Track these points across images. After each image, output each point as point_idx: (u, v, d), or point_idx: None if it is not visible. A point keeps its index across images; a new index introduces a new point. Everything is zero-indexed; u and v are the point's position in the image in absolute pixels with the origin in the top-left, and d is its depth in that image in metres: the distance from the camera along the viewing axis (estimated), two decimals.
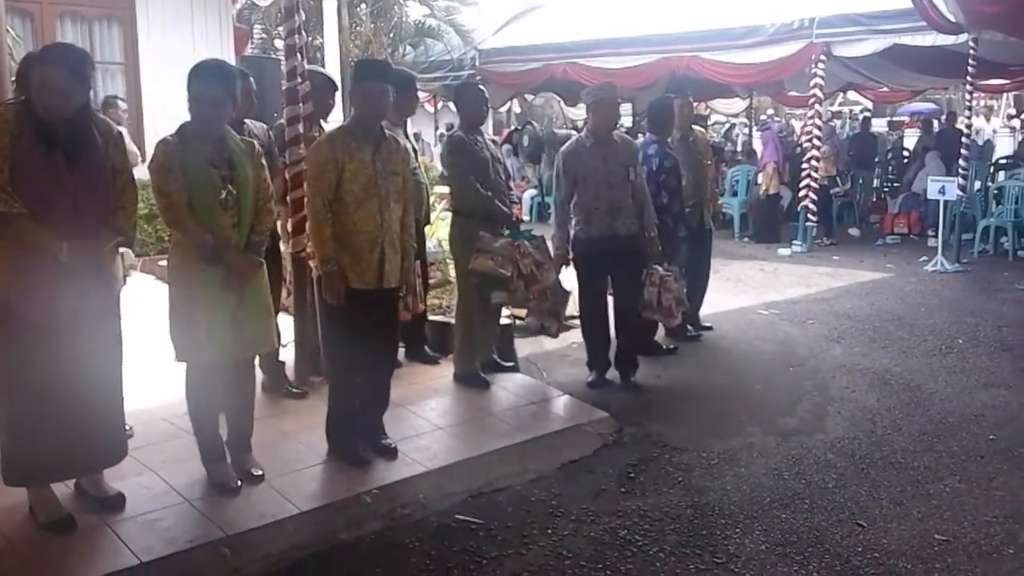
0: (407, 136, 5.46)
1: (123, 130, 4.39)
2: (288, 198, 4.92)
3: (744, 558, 3.52)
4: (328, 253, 3.97)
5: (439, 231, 6.67)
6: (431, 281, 5.81)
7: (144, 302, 4.74)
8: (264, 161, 3.92)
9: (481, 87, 5.53)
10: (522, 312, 6.20)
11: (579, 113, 20.39)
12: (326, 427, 4.27)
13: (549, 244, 5.49)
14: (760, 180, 12.40)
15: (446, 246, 5.74)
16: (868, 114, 19.05)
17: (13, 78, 4.45)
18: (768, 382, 5.79)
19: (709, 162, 6.86)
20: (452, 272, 6.02)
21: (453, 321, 5.63)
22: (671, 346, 6.39)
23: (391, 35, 14.35)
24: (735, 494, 4.10)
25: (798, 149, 13.55)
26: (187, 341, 3.71)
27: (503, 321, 5.82)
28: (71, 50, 3.48)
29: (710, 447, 4.63)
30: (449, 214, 6.01)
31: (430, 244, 5.98)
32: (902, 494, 4.10)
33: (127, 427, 4.23)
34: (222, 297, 3.69)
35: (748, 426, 4.94)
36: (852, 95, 19.59)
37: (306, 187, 4.16)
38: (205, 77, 3.67)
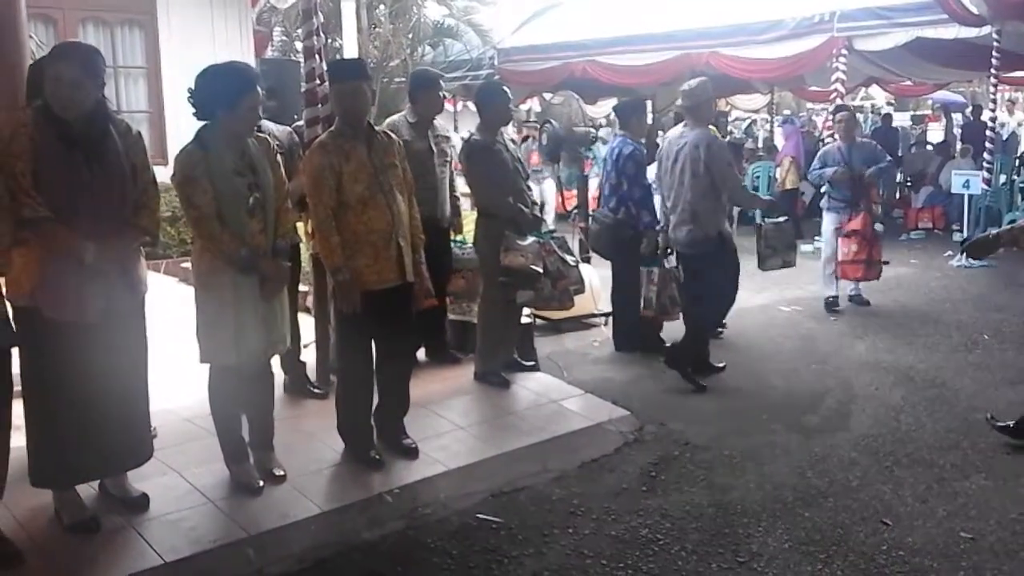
0: (427, 136, 5.42)
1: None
2: (307, 200, 4.94)
3: (767, 557, 3.50)
4: (339, 262, 3.95)
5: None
6: (450, 288, 5.79)
7: (167, 304, 4.79)
8: (279, 159, 3.93)
9: (505, 88, 5.49)
10: (545, 312, 6.22)
11: (599, 111, 20.34)
12: (338, 426, 4.30)
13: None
14: (776, 174, 12.33)
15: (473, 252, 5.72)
16: (891, 108, 18.89)
17: None
18: (790, 379, 5.75)
19: None
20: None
21: (474, 321, 5.64)
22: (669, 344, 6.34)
23: (410, 36, 14.36)
24: (758, 492, 4.07)
25: (820, 144, 13.47)
26: (214, 343, 3.73)
27: (523, 320, 5.82)
28: (81, 46, 3.51)
29: (732, 445, 4.60)
30: (469, 213, 6.02)
31: (457, 249, 5.93)
32: (927, 492, 4.06)
33: (152, 428, 4.28)
34: (252, 302, 3.71)
35: (771, 424, 4.91)
36: (869, 90, 19.39)
37: (308, 199, 4.15)
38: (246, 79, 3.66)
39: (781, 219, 5.92)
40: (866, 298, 7.75)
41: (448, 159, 5.60)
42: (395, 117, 5.47)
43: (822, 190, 7.71)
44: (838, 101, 10.81)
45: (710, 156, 5.44)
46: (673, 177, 5.59)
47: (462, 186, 5.89)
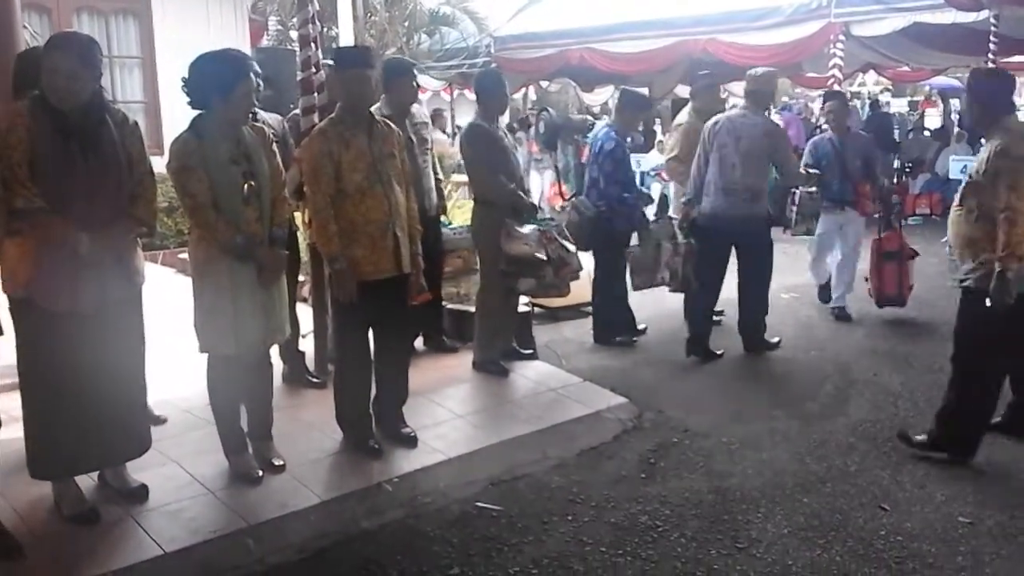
0: (405, 126, 5.35)
1: None
2: (305, 188, 4.92)
3: (766, 543, 3.51)
4: (336, 250, 3.94)
5: (456, 218, 6.65)
6: (448, 269, 5.80)
7: (165, 294, 4.77)
8: (276, 148, 3.92)
9: (502, 75, 5.49)
10: (543, 300, 6.22)
11: (596, 99, 20.28)
12: (337, 416, 4.30)
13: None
14: None
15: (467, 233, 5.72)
16: (889, 94, 18.83)
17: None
18: (789, 366, 5.76)
19: None
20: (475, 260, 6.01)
21: (471, 310, 5.64)
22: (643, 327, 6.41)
23: (406, 24, 14.32)
24: (756, 479, 4.08)
25: (817, 131, 13.44)
26: (212, 333, 3.73)
27: (521, 308, 5.82)
28: (77, 36, 3.50)
29: (731, 432, 4.61)
30: (467, 201, 6.01)
31: (449, 230, 5.95)
32: (926, 477, 4.07)
33: (161, 415, 4.31)
34: (249, 290, 3.71)
35: (769, 410, 4.92)
36: (865, 76, 19.30)
37: (305, 186, 4.14)
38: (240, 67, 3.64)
39: (812, 190, 6.39)
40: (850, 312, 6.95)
41: (428, 146, 5.56)
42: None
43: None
44: (835, 87, 10.78)
45: (784, 143, 5.97)
46: (736, 156, 5.71)
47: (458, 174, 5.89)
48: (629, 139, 6.44)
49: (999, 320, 3.98)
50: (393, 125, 4.28)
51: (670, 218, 6.27)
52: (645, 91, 14.43)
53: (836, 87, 10.73)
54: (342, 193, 3.95)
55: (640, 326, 6.34)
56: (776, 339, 6.12)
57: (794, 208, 6.54)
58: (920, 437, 4.35)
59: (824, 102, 7.68)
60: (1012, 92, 4.29)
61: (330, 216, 3.94)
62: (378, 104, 5.35)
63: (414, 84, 5.44)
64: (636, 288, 6.10)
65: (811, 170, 6.35)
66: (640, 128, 16.28)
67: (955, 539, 3.52)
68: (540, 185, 12.08)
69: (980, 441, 4.24)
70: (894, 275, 6.79)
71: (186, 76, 3.63)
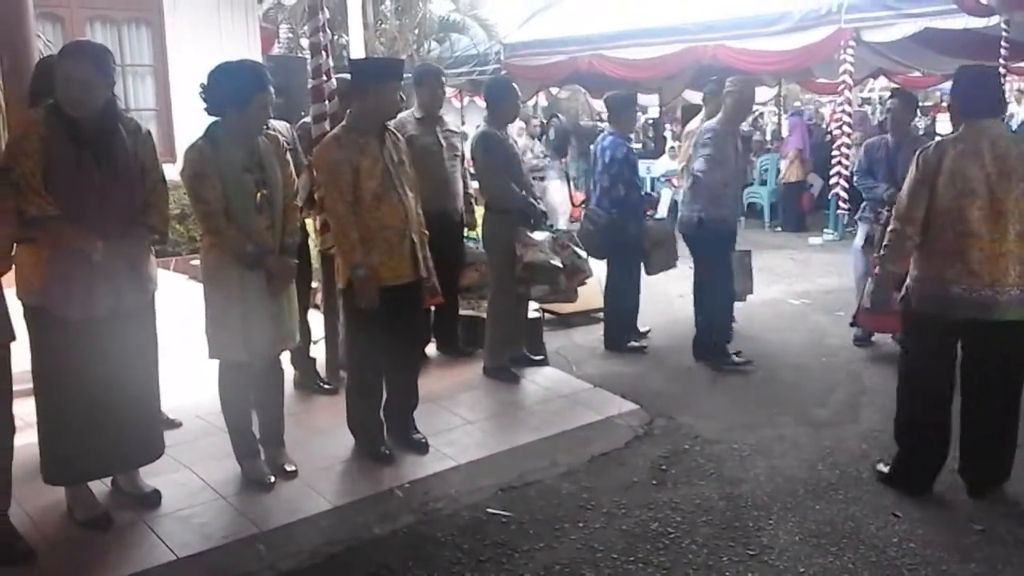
0: (435, 131, 5.41)
1: None
2: (316, 196, 4.94)
3: (778, 549, 3.50)
4: (357, 258, 3.93)
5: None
6: (465, 283, 5.82)
7: (177, 301, 4.80)
8: (289, 157, 3.94)
9: (514, 84, 5.51)
10: (553, 306, 6.23)
11: None
12: (348, 422, 4.31)
13: None
14: (781, 167, 12.28)
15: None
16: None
17: None
18: (800, 373, 5.74)
19: None
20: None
21: (484, 315, 5.64)
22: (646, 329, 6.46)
23: (416, 31, 14.40)
24: (768, 485, 4.07)
25: (828, 136, 13.40)
26: (222, 340, 3.75)
27: (532, 315, 5.83)
28: (91, 44, 3.52)
29: (742, 438, 4.60)
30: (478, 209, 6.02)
31: (472, 243, 5.96)
32: (938, 483, 4.04)
33: (175, 419, 4.37)
34: (259, 298, 3.73)
35: (780, 417, 4.91)
36: (871, 82, 19.22)
37: (323, 194, 4.13)
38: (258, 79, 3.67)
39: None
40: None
41: (458, 153, 5.59)
42: (403, 114, 5.47)
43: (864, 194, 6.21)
44: (846, 93, 10.73)
45: (698, 142, 5.77)
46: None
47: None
48: (639, 145, 6.49)
49: (911, 337, 4.07)
50: (397, 132, 4.30)
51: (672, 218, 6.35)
52: (655, 98, 14.41)
53: (847, 92, 10.73)
54: (358, 200, 3.94)
55: (643, 328, 6.35)
56: (737, 352, 5.84)
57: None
58: None
59: (888, 98, 6.87)
60: (991, 93, 3.80)
61: (351, 223, 3.93)
62: (411, 109, 5.42)
63: (440, 91, 5.50)
64: (662, 270, 6.22)
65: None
66: (651, 135, 16.36)
67: (968, 546, 3.50)
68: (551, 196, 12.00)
69: (924, 473, 3.95)
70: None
71: (204, 83, 3.66)
